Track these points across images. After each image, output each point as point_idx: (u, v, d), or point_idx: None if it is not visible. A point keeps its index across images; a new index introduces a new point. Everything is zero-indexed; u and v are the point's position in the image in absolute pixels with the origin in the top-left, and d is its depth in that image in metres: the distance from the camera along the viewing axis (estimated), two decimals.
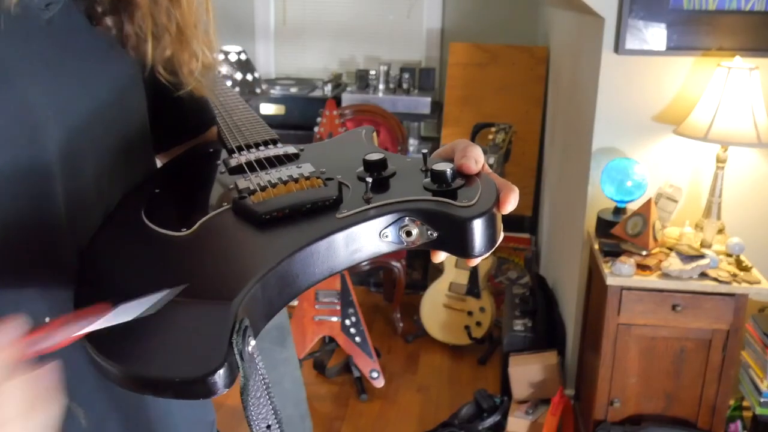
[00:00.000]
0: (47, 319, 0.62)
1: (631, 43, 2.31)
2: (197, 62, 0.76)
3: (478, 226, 0.57)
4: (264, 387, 0.55)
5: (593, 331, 2.41)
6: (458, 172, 0.63)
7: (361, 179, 0.64)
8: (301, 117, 3.78)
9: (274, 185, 0.65)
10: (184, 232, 0.61)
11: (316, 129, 3.40)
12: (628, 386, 2.27)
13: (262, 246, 0.59)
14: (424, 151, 0.67)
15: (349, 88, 4.04)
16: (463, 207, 0.58)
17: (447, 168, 0.61)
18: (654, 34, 2.30)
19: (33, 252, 0.63)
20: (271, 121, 4.07)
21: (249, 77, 3.21)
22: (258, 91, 3.25)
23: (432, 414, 2.82)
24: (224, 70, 3.11)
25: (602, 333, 2.22)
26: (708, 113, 2.19)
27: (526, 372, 2.69)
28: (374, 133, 0.80)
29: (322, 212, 0.61)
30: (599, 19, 2.36)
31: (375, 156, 0.66)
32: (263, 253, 0.57)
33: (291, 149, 0.76)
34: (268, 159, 0.73)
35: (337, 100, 3.75)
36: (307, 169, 0.69)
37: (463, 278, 3.25)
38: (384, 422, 2.79)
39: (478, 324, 3.23)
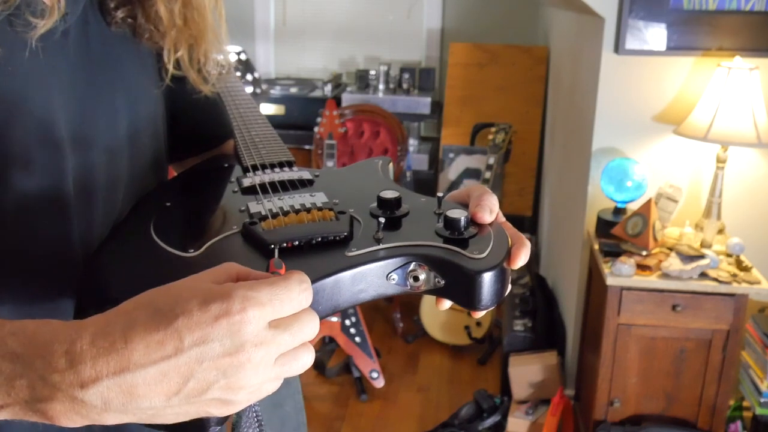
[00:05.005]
0: None
1: (631, 44, 2.31)
2: (206, 62, 0.76)
3: (486, 280, 0.56)
4: (257, 424, 0.55)
5: (593, 332, 2.41)
6: (471, 220, 0.62)
7: (374, 216, 0.64)
8: (301, 117, 3.78)
9: (285, 213, 0.64)
10: (191, 253, 0.60)
11: (316, 129, 3.40)
12: (628, 386, 2.27)
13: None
14: (440, 194, 0.67)
15: (349, 88, 4.04)
16: (474, 259, 0.57)
17: (461, 216, 0.60)
18: (654, 34, 2.30)
19: (45, 271, 0.62)
20: (271, 121, 4.04)
21: (249, 77, 3.20)
22: (258, 91, 3.25)
23: (432, 414, 2.82)
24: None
25: (602, 333, 2.22)
26: (708, 113, 2.19)
27: (526, 372, 2.69)
28: (390, 164, 0.79)
29: (331, 247, 0.60)
30: (599, 19, 2.36)
31: (390, 194, 0.65)
32: None
33: (306, 174, 0.75)
34: (282, 183, 0.73)
35: (337, 100, 3.75)
36: (320, 198, 0.68)
37: None
38: (384, 422, 2.79)
39: (478, 324, 3.23)
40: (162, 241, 0.62)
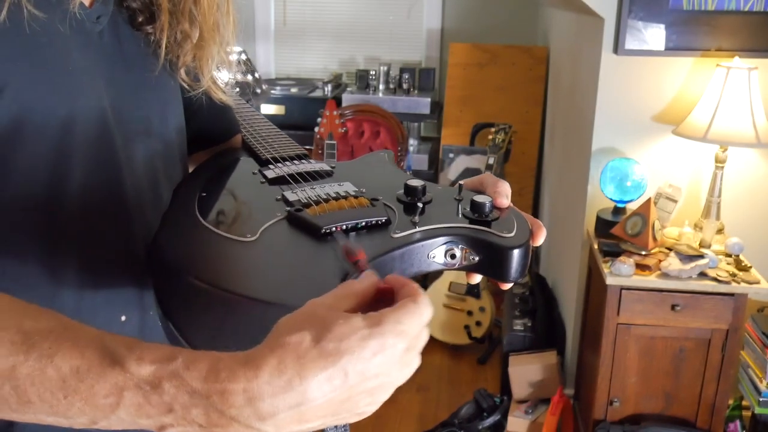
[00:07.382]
0: (123, 318, 0.68)
1: (630, 44, 2.32)
2: (217, 68, 0.79)
3: (519, 255, 0.64)
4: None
5: (593, 331, 2.42)
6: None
7: (403, 202, 0.70)
8: (302, 117, 3.78)
9: (326, 200, 0.68)
10: (250, 238, 0.63)
11: (316, 129, 3.40)
12: (627, 386, 2.27)
13: (330, 257, 0.62)
14: (461, 182, 0.73)
15: (349, 89, 4.04)
16: (505, 237, 0.64)
17: (487, 201, 0.67)
18: (653, 35, 2.31)
19: (109, 260, 0.67)
20: (272, 121, 4.07)
21: (249, 78, 3.21)
22: (258, 91, 3.26)
23: (432, 414, 2.83)
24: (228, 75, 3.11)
25: (602, 333, 2.22)
26: (707, 113, 2.19)
27: (526, 372, 2.69)
28: (393, 156, 0.85)
29: (375, 230, 0.65)
30: (599, 19, 2.37)
31: (416, 182, 0.71)
32: (335, 263, 0.60)
33: (325, 166, 0.79)
34: (308, 173, 0.76)
35: (338, 101, 3.76)
36: (350, 187, 0.73)
37: (462, 278, 3.24)
38: (384, 422, 2.79)
39: (478, 324, 3.23)
40: (214, 227, 0.65)
